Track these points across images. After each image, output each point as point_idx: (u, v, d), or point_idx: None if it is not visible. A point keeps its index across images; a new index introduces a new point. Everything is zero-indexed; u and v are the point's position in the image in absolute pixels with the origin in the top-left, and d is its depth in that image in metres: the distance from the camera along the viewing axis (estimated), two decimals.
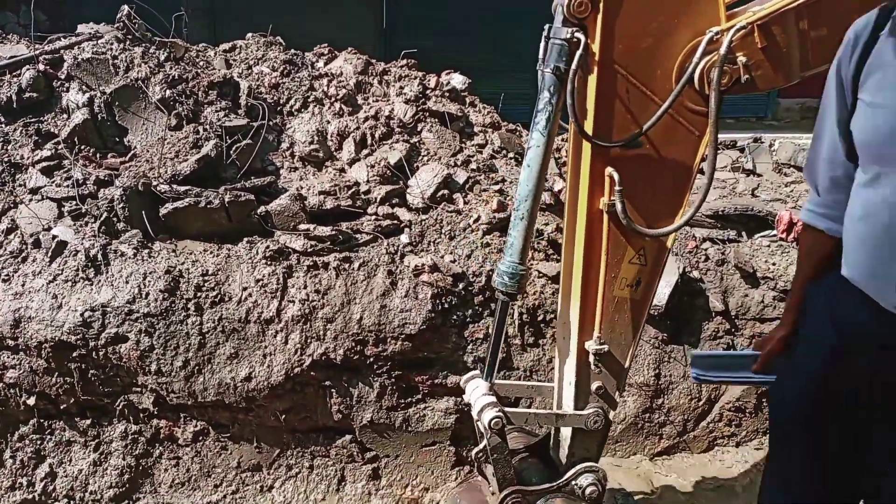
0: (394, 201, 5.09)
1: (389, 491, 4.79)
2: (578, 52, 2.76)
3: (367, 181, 5.14)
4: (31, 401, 4.59)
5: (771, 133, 7.88)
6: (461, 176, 5.33)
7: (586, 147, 3.04)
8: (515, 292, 3.17)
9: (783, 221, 5.41)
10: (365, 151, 5.37)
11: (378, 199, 5.06)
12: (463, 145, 5.75)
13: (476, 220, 4.98)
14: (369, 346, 4.54)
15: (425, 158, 5.44)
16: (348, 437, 4.73)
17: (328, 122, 5.54)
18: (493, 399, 3.43)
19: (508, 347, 4.77)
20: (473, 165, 5.53)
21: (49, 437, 4.69)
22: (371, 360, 4.57)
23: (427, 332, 4.56)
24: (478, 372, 3.71)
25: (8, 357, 4.54)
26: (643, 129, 2.92)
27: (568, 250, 3.32)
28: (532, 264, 4.97)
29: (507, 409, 3.36)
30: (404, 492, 4.80)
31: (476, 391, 3.57)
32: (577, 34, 2.77)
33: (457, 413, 4.72)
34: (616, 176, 2.98)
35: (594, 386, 3.38)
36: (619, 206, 2.99)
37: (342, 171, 5.29)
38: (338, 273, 4.61)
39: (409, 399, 4.71)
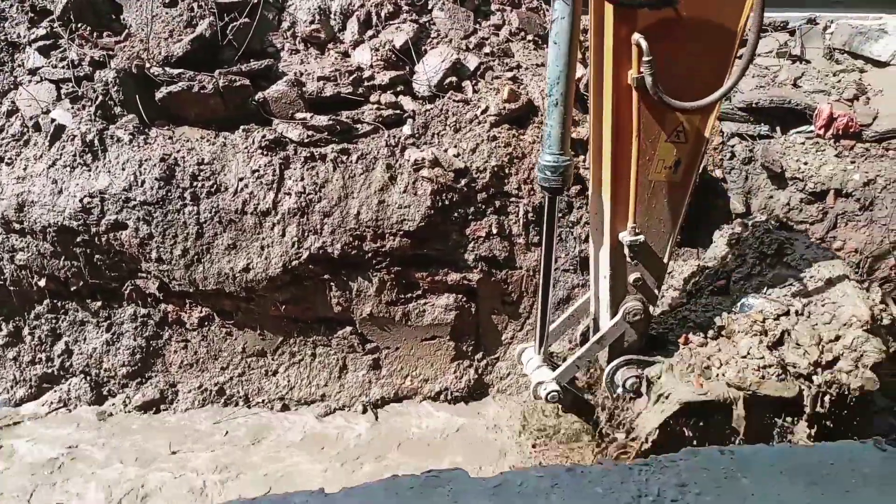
0: (398, 89, 4.80)
1: (390, 381, 4.89)
2: None
3: (371, 66, 4.84)
4: (42, 282, 4.73)
5: (832, 12, 7.05)
6: (472, 61, 4.97)
7: (609, 11, 2.66)
8: (560, 186, 2.93)
9: (822, 116, 4.94)
10: (370, 32, 5.02)
11: (381, 87, 4.78)
12: (477, 26, 5.32)
13: (484, 112, 4.68)
14: (367, 241, 4.46)
15: (434, 41, 5.06)
16: (349, 328, 4.78)
17: None
18: (546, 371, 3.53)
19: (511, 246, 4.63)
20: (487, 49, 5.14)
21: (63, 316, 4.87)
22: (369, 255, 4.50)
23: (426, 228, 4.44)
24: (530, 344, 3.78)
25: (16, 240, 4.63)
26: None
27: (595, 133, 3.03)
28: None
29: (558, 370, 3.48)
30: (404, 382, 4.90)
31: (531, 364, 3.68)
32: None
33: (456, 310, 4.69)
34: (644, 44, 2.64)
35: (632, 277, 3.26)
36: (648, 80, 2.69)
37: (345, 54, 4.97)
38: (335, 165, 4.45)
39: (409, 294, 4.68)
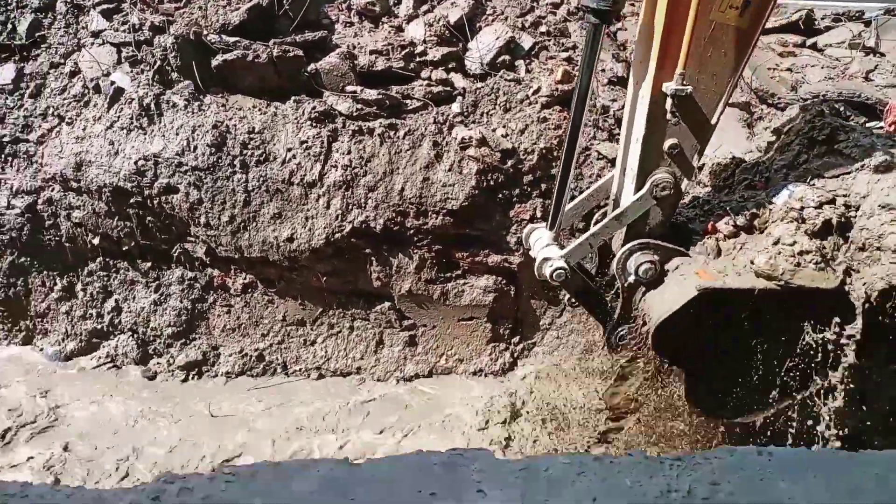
0: (450, 65, 4.75)
1: (425, 358, 4.91)
2: None
3: (424, 41, 4.80)
4: (96, 241, 4.88)
5: None
6: (527, 41, 4.88)
7: None
8: (609, 8, 2.60)
9: (893, 112, 4.67)
10: (424, 7, 4.97)
11: (433, 63, 4.73)
12: (535, 4, 5.21)
13: (535, 92, 4.60)
14: (410, 217, 4.46)
15: (489, 18, 4.98)
16: (387, 304, 4.80)
17: None
18: (555, 249, 3.15)
19: None
20: (543, 28, 5.03)
21: (115, 275, 5.03)
22: (411, 232, 4.50)
23: (469, 208, 4.41)
24: (541, 225, 3.41)
25: (73, 198, 4.79)
26: None
27: None
28: (592, 144, 4.61)
29: (568, 248, 3.11)
30: (439, 360, 4.91)
31: (539, 243, 3.28)
32: None
33: (495, 292, 4.65)
34: None
35: (668, 143, 2.87)
36: None
37: (399, 29, 4.94)
38: (382, 140, 4.45)
39: (449, 274, 4.67)
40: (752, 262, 2.81)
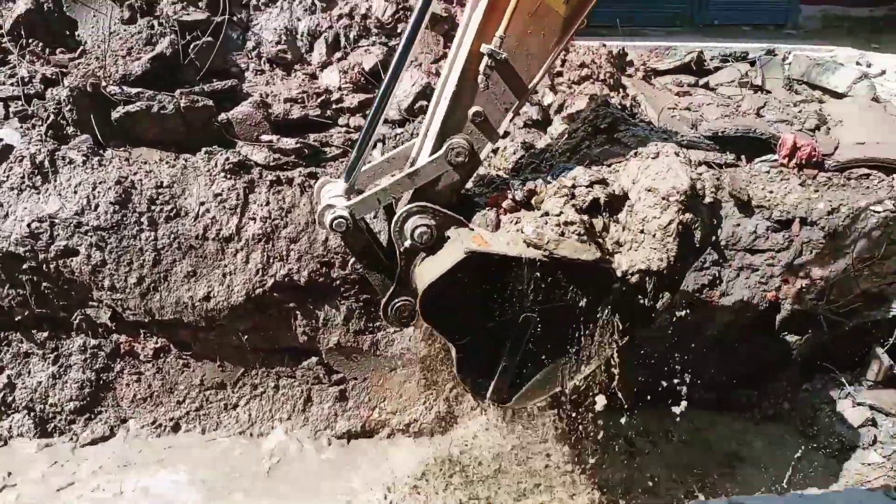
0: (367, 112, 4.68)
1: (357, 413, 4.71)
2: None
3: (340, 88, 4.73)
4: None
5: (788, 44, 7.28)
6: None
7: None
8: None
9: (786, 145, 5.02)
10: (338, 54, 4.92)
11: (350, 109, 4.67)
12: (447, 50, 5.26)
13: None
14: (335, 268, 4.31)
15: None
16: (314, 359, 4.60)
17: (299, 19, 5.04)
18: (342, 199, 3.02)
19: None
20: None
21: (6, 348, 4.55)
22: (338, 283, 4.35)
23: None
24: (335, 180, 3.29)
25: None
26: None
27: None
28: None
29: (354, 199, 2.99)
30: (371, 414, 4.73)
31: (329, 194, 3.15)
32: None
33: (428, 339, 4.55)
34: None
35: (473, 111, 2.85)
36: None
37: (313, 76, 4.86)
38: (303, 189, 4.30)
39: (378, 323, 4.53)
40: (521, 231, 2.89)
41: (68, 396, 4.54)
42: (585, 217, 2.88)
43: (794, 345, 4.94)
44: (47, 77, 4.51)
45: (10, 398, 4.55)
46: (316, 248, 4.27)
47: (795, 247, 4.78)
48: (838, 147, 5.05)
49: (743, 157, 5.22)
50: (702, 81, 6.29)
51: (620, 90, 5.78)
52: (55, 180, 4.26)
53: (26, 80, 4.53)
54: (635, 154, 3.13)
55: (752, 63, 6.58)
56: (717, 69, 6.52)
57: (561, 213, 2.84)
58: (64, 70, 4.57)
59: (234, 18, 4.92)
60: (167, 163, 4.38)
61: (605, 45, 6.07)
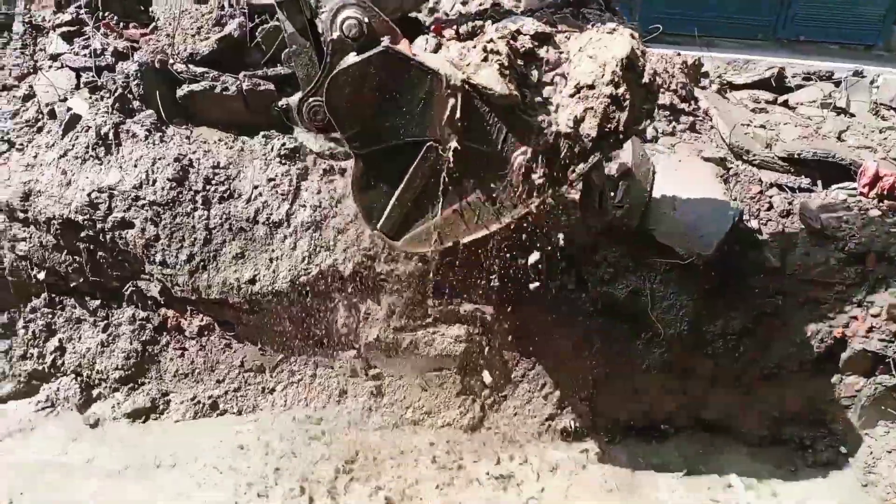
0: None
1: (390, 410, 4.65)
2: None
3: None
4: (42, 275, 4.55)
5: (878, 66, 6.85)
6: None
7: None
8: None
9: (868, 174, 4.70)
10: None
11: None
12: None
13: None
14: (380, 262, 4.26)
15: None
16: (353, 352, 4.56)
17: None
18: None
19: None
20: None
21: (60, 312, 4.68)
22: (382, 277, 4.30)
23: (442, 254, 4.23)
24: None
25: (19, 229, 4.46)
26: None
27: None
28: None
29: None
30: (405, 412, 4.66)
31: None
32: None
33: (467, 341, 4.46)
34: None
35: None
36: None
37: None
38: None
39: (419, 322, 4.46)
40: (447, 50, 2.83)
41: (114, 365, 4.63)
42: (520, 62, 2.81)
43: (859, 386, 4.62)
44: (119, 50, 4.60)
45: (60, 361, 4.68)
46: (363, 241, 4.22)
47: (869, 282, 4.47)
48: None
49: (819, 182, 4.93)
50: (781, 99, 5.97)
51: (692, 102, 5.54)
52: (118, 153, 4.34)
53: (98, 52, 4.63)
54: (592, 26, 3.03)
55: (838, 84, 6.22)
56: (798, 87, 6.19)
57: (492, 40, 2.76)
58: (135, 45, 4.65)
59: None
60: (225, 144, 4.41)
61: (679, 55, 5.83)
